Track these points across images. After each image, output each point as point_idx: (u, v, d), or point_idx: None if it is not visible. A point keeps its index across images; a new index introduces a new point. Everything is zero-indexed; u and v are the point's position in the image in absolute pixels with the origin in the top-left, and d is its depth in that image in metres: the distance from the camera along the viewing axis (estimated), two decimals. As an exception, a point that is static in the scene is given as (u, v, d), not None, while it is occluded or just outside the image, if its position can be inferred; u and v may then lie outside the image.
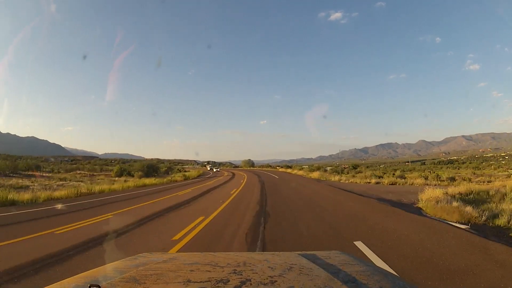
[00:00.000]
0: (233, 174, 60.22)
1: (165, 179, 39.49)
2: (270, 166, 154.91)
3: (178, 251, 6.47)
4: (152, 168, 54.77)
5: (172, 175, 50.22)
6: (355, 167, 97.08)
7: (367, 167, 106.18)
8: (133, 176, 45.38)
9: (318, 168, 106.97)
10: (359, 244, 6.70)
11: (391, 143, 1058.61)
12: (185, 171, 72.67)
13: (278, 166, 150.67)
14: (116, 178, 40.44)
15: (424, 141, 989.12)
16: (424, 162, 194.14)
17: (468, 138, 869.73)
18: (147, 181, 34.32)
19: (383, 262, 5.41)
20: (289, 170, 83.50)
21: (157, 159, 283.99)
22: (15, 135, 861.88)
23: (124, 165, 64.53)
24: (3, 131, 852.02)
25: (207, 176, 57.82)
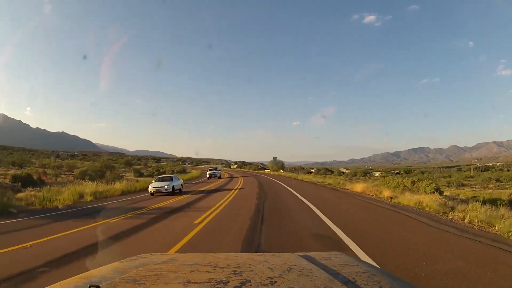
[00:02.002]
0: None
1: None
2: (303, 168, 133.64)
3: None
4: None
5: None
6: (407, 172, 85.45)
7: (422, 172, 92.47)
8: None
9: (365, 173, 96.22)
10: None
11: (423, 147, 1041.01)
12: (188, 172, 70.89)
13: (312, 169, 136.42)
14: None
15: (455, 146, 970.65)
16: (461, 168, 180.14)
17: (499, 145, 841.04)
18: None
19: None
20: (348, 186, 40.53)
21: (188, 157, 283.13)
22: (44, 129, 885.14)
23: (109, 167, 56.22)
24: (33, 126, 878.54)
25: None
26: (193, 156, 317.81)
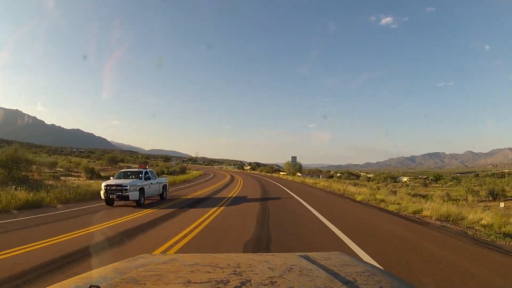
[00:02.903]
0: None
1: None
2: (320, 171, 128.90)
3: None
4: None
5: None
6: (436, 179, 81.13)
7: (455, 179, 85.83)
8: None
9: (393, 179, 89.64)
10: None
11: (438, 152, 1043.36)
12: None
13: (332, 172, 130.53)
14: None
15: (471, 152, 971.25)
16: (478, 174, 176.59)
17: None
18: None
19: None
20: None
21: (202, 157, 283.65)
22: (59, 126, 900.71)
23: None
24: (48, 123, 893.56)
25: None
26: (209, 156, 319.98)
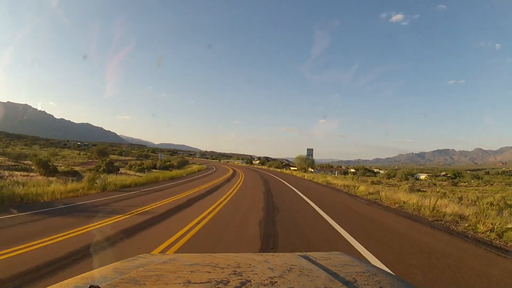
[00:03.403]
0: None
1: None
2: (331, 166, 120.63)
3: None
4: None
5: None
6: (455, 176, 76.48)
7: (478, 178, 78.94)
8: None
9: (411, 175, 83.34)
10: None
11: (448, 149, 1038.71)
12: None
13: (344, 167, 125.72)
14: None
15: (480, 149, 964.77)
16: (489, 172, 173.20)
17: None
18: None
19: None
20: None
21: (212, 151, 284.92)
22: (69, 121, 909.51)
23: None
24: (57, 117, 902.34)
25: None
26: (218, 150, 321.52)
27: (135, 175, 29.66)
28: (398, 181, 58.91)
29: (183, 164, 62.15)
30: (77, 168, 30.44)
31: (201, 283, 1.42)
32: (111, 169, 31.36)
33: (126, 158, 74.54)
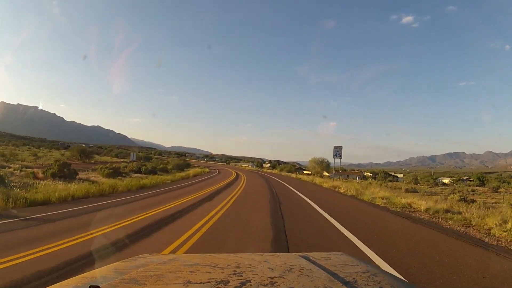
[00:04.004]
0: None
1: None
2: (345, 170, 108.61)
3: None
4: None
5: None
6: (480, 180, 70.18)
7: (504, 182, 75.26)
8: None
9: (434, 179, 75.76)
10: None
11: (459, 152, 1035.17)
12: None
13: (362, 171, 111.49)
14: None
15: (491, 152, 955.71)
16: (501, 175, 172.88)
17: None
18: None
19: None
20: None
21: (223, 154, 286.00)
22: (80, 123, 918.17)
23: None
24: (68, 119, 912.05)
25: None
26: (229, 153, 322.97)
27: (97, 181, 22.66)
28: (431, 187, 55.15)
29: (181, 167, 54.23)
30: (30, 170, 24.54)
31: (201, 283, 1.41)
32: (66, 173, 23.09)
33: (121, 160, 69.72)
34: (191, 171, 49.26)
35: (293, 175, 62.60)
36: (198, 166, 74.33)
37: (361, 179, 73.23)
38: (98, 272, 1.65)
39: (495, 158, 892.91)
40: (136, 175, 32.58)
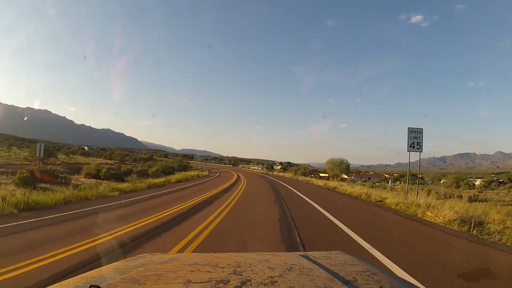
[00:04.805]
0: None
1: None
2: (360, 172, 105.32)
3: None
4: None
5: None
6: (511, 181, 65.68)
7: None
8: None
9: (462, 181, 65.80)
10: None
11: (469, 153, 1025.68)
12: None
13: (379, 173, 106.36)
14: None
15: (501, 152, 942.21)
16: None
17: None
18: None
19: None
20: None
21: (233, 157, 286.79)
22: (89, 126, 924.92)
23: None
24: (78, 122, 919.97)
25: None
26: (239, 155, 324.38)
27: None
28: (480, 192, 47.21)
29: (168, 170, 47.69)
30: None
31: (201, 282, 1.41)
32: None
33: (97, 159, 66.56)
34: (179, 176, 40.27)
35: (316, 182, 44.82)
36: (197, 169, 67.72)
37: (392, 182, 66.74)
38: (98, 272, 1.66)
39: (505, 159, 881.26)
40: (97, 180, 25.95)
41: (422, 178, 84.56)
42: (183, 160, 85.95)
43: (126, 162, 68.85)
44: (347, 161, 69.02)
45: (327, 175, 68.93)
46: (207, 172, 58.79)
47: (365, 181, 61.68)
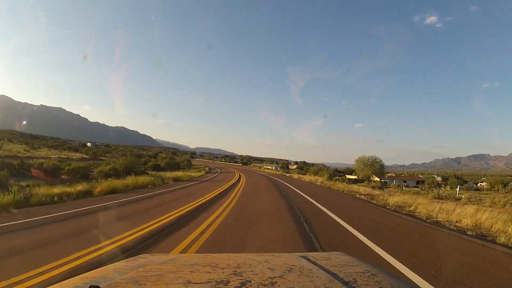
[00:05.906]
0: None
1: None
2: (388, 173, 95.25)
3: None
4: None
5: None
6: None
7: None
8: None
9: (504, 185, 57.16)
10: None
11: (484, 154, 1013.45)
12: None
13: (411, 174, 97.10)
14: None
15: None
16: None
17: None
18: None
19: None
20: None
21: (248, 155, 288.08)
22: (104, 124, 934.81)
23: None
24: (92, 120, 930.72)
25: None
26: (254, 155, 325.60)
27: None
28: None
29: (157, 168, 42.92)
30: None
31: (201, 283, 1.41)
32: None
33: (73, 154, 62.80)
34: (170, 175, 32.79)
35: (367, 190, 28.13)
36: (198, 168, 62.52)
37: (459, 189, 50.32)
38: (98, 272, 1.67)
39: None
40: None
41: (466, 181, 72.14)
42: (174, 157, 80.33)
43: (102, 158, 60.92)
44: (380, 160, 58.34)
45: (356, 177, 59.32)
46: (204, 172, 52.34)
47: (407, 186, 51.99)
